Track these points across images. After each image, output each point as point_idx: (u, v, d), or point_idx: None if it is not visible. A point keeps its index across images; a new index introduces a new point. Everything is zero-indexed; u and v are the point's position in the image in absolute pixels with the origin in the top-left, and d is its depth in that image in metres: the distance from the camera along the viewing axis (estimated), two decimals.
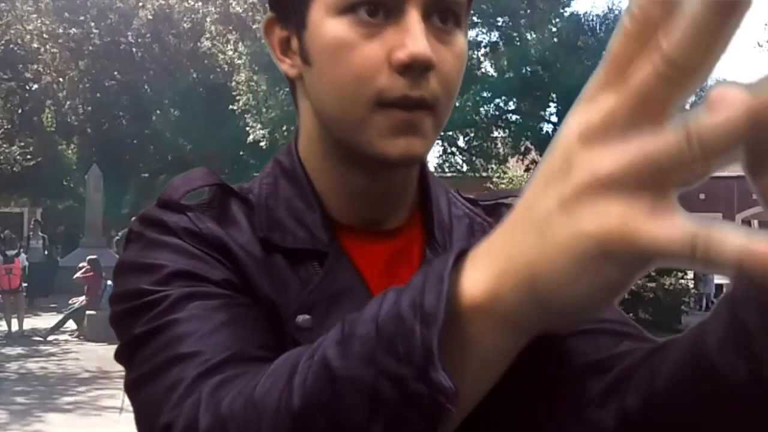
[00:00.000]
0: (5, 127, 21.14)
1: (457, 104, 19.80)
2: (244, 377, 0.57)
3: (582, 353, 0.72)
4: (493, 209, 0.88)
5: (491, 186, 13.77)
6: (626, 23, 0.37)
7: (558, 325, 0.44)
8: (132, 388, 0.66)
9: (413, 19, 0.69)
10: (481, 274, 0.44)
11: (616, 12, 22.07)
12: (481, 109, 21.30)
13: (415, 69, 0.68)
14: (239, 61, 18.59)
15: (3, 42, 21.43)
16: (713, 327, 0.60)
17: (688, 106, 0.37)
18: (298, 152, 0.81)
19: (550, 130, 23.19)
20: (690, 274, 15.66)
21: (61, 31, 21.40)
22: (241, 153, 21.39)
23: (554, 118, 23.12)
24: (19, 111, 22.80)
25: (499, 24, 20.64)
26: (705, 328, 0.61)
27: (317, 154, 0.79)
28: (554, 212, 0.39)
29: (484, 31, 21.24)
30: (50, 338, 12.30)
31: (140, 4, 21.30)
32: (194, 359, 0.60)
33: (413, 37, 0.68)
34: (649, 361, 0.67)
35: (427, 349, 0.44)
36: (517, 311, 0.43)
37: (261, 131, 18.26)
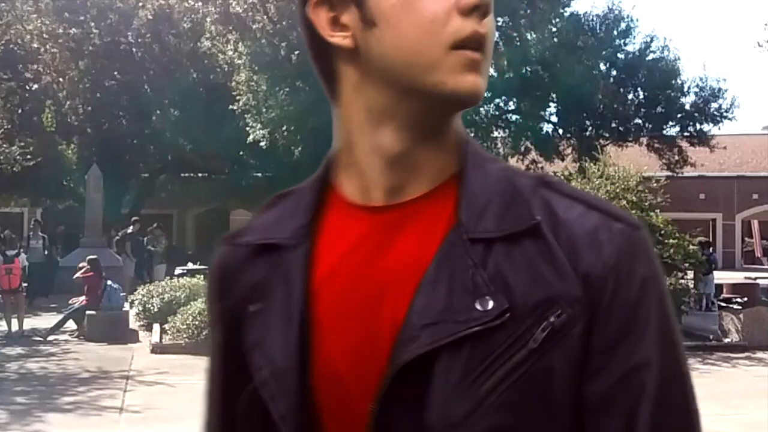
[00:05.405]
0: (5, 127, 21.10)
1: None
2: None
3: None
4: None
5: None
6: None
7: None
8: None
9: None
10: None
11: (616, 12, 22.08)
12: (481, 109, 21.29)
13: (481, 9, 0.78)
14: (239, 61, 18.58)
15: (3, 42, 21.41)
16: None
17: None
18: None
19: (550, 130, 23.21)
20: (690, 274, 15.64)
21: (61, 31, 21.39)
22: (241, 153, 21.38)
23: (554, 118, 23.14)
24: (19, 111, 22.79)
25: (499, 24, 20.60)
26: None
27: (359, 126, 0.84)
28: None
29: None
30: (50, 338, 12.30)
31: (140, 4, 21.29)
32: None
33: None
34: None
35: None
36: None
37: (261, 131, 18.25)
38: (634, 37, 22.43)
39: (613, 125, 22.09)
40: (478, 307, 0.74)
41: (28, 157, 20.33)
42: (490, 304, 0.74)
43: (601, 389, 0.75)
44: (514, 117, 22.92)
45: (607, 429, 0.75)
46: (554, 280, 0.76)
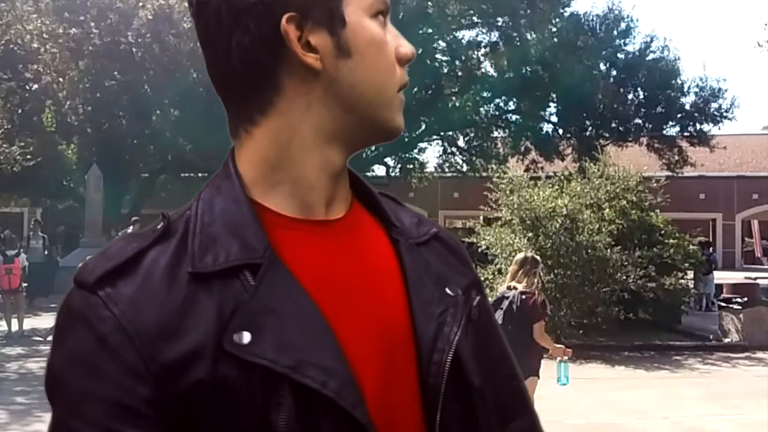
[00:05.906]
0: (5, 127, 21.09)
1: (457, 104, 19.83)
2: None
3: None
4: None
5: (491, 186, 13.73)
6: None
7: None
8: None
9: (390, 25, 0.91)
10: None
11: (616, 12, 22.09)
12: (481, 109, 21.31)
13: (410, 62, 0.91)
14: None
15: (3, 42, 21.41)
16: None
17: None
18: (234, 161, 0.92)
19: (550, 130, 23.21)
20: (690, 274, 15.64)
21: (61, 31, 21.37)
22: None
23: (554, 118, 23.14)
24: (19, 111, 22.78)
25: (499, 24, 20.65)
26: None
27: (305, 143, 0.88)
28: None
29: (484, 31, 21.25)
30: (50, 338, 12.27)
31: (140, 4, 21.29)
32: None
33: (404, 39, 0.91)
34: None
35: None
36: None
37: None
38: (634, 37, 22.46)
39: (613, 125, 22.09)
40: (448, 293, 0.93)
41: (28, 157, 20.33)
42: (451, 291, 0.93)
43: (495, 341, 1.01)
44: (514, 117, 22.93)
45: (506, 369, 1.02)
46: (466, 271, 1.00)
